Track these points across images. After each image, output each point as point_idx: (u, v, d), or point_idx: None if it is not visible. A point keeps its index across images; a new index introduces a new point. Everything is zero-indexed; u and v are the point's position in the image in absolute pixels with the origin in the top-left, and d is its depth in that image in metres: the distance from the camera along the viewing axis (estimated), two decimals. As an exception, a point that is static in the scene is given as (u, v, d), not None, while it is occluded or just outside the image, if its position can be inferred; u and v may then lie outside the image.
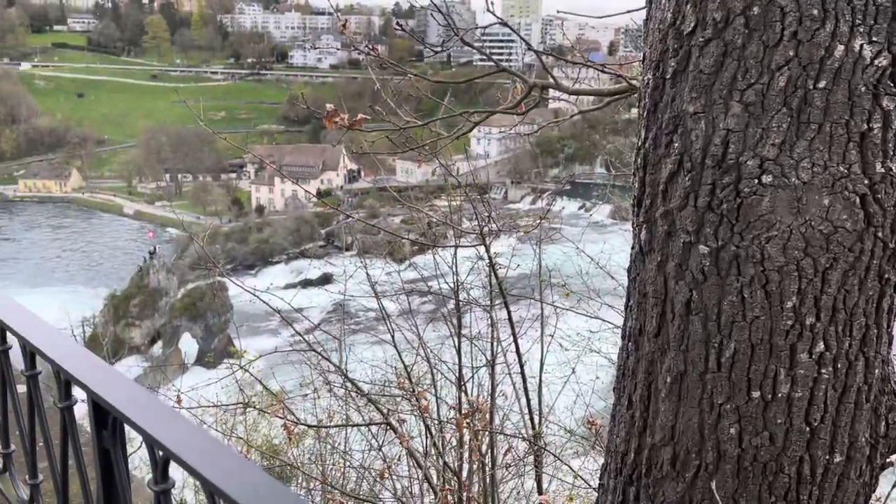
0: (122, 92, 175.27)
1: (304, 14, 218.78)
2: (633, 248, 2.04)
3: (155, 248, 79.59)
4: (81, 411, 1.66)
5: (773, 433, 1.80)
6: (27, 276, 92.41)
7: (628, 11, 2.99)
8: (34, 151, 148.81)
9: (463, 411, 6.97)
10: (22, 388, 2.05)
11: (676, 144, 1.77)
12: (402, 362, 8.24)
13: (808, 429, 1.79)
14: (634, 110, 2.04)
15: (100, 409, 1.44)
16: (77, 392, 1.60)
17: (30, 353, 1.73)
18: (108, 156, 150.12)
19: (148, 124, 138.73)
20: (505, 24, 3.88)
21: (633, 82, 3.42)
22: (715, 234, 1.75)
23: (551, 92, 4.08)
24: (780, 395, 1.78)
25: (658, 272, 1.88)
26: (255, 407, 7.03)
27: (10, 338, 1.93)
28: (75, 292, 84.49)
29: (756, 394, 1.80)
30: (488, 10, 3.35)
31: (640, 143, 1.92)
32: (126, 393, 1.40)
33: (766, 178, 1.68)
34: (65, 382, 1.60)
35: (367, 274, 8.54)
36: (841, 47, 1.60)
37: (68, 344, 1.66)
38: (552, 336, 8.21)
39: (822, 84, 1.62)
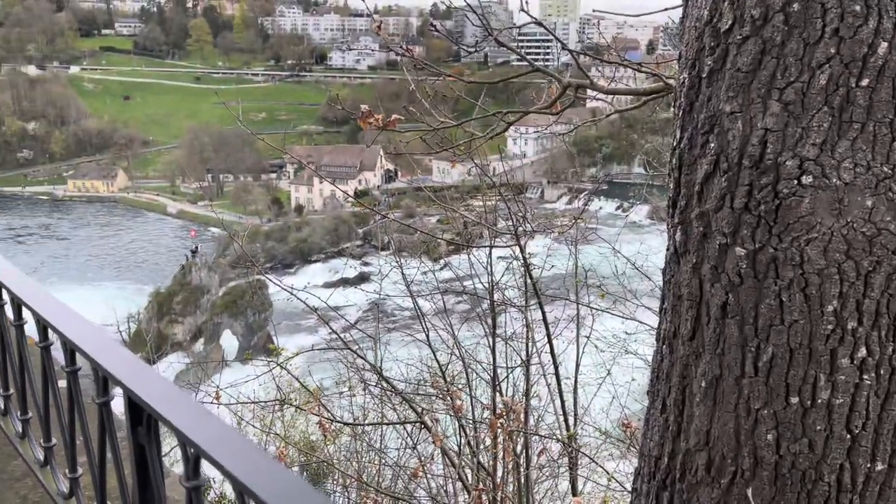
0: (166, 94, 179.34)
1: (343, 16, 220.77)
2: (667, 249, 2.01)
3: (197, 247, 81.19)
4: (120, 406, 1.70)
5: (812, 440, 1.75)
6: (76, 272, 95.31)
7: (665, 9, 2.94)
8: (82, 152, 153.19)
9: (497, 411, 6.95)
10: (62, 383, 2.12)
11: (713, 144, 1.74)
12: (437, 361, 8.26)
13: (848, 436, 1.74)
14: (672, 109, 2.01)
15: (135, 406, 1.48)
16: (115, 388, 1.64)
17: (70, 349, 1.78)
18: (153, 156, 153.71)
19: (191, 125, 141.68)
20: (540, 24, 3.85)
21: (670, 81, 3.37)
22: (752, 236, 1.71)
23: (588, 91, 4.05)
24: (819, 401, 1.73)
25: (693, 274, 1.85)
26: (291, 404, 7.12)
27: (51, 335, 1.99)
28: (121, 289, 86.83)
29: (795, 399, 1.75)
30: (523, 9, 3.33)
31: (675, 143, 1.89)
32: (160, 391, 1.43)
33: (807, 179, 1.63)
34: (102, 379, 1.64)
35: (403, 274, 8.57)
36: (884, 44, 1.55)
37: (106, 342, 1.70)
38: (588, 337, 8.14)
39: (864, 82, 1.57)
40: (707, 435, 1.87)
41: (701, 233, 1.80)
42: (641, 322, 7.17)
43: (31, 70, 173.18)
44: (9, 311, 2.37)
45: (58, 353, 2.05)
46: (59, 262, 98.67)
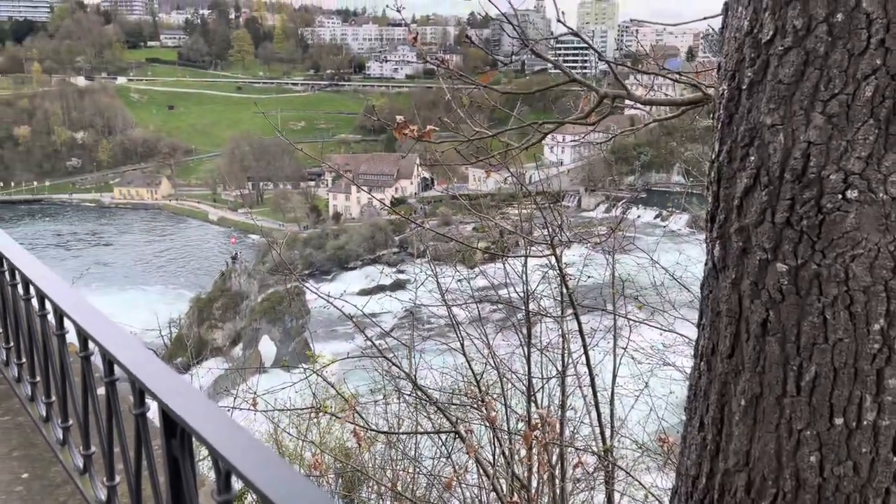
0: (209, 103, 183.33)
1: (381, 26, 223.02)
2: (706, 264, 1.96)
3: (237, 254, 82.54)
4: (157, 415, 1.73)
5: (857, 462, 1.69)
6: (120, 277, 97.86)
7: (704, 18, 2.89)
8: (128, 161, 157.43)
9: (532, 423, 6.89)
10: (101, 390, 2.16)
11: (753, 158, 1.70)
12: (472, 370, 8.23)
13: (895, 459, 1.68)
14: (711, 120, 1.97)
15: (169, 420, 1.50)
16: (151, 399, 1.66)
17: (108, 361, 1.82)
18: (195, 164, 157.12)
19: (232, 134, 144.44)
20: (577, 35, 3.82)
21: (710, 91, 3.31)
22: (794, 251, 1.66)
23: (626, 100, 4.00)
24: (865, 422, 1.67)
25: (732, 290, 1.80)
26: (326, 412, 7.16)
27: (91, 345, 2.04)
28: (164, 293, 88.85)
29: (839, 420, 1.69)
30: (559, 20, 3.31)
31: (714, 156, 1.85)
32: (194, 405, 1.44)
33: (852, 194, 1.58)
34: (139, 391, 1.67)
35: (438, 283, 8.57)
36: (933, 55, 1.49)
37: (143, 354, 1.73)
38: (625, 349, 8.02)
39: (912, 94, 1.52)
40: (747, 455, 1.82)
41: (740, 248, 1.76)
42: (680, 334, 7.04)
43: (80, 81, 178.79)
44: (51, 319, 2.44)
45: (97, 361, 2.09)
46: (106, 268, 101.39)
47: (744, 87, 1.72)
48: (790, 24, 1.60)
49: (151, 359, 1.68)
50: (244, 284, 75.41)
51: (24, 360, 2.98)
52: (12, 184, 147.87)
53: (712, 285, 1.90)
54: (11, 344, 3.15)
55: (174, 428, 1.50)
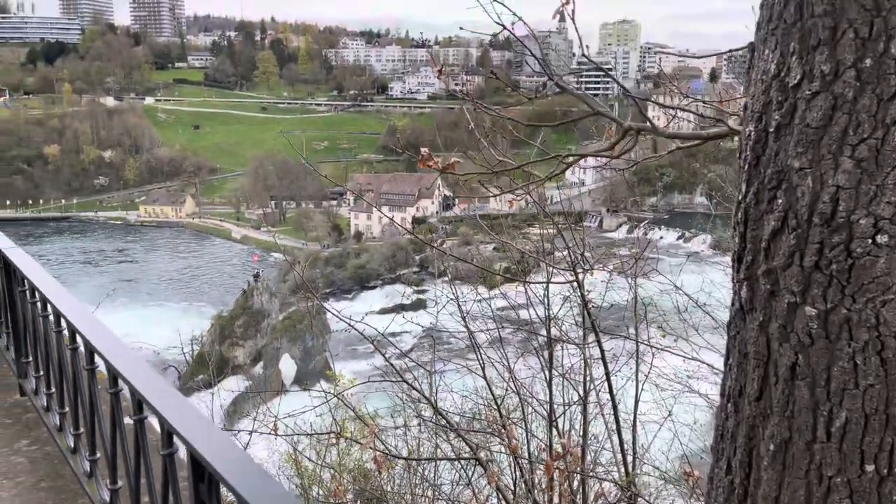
0: (234, 123, 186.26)
1: (404, 47, 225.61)
2: (732, 304, 1.95)
3: (259, 272, 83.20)
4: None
5: (889, 511, 1.65)
6: (145, 294, 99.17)
7: (730, 52, 2.89)
8: (154, 179, 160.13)
9: (554, 450, 6.82)
10: (128, 419, 2.18)
11: (780, 200, 1.69)
12: (492, 394, 8.18)
13: (928, 508, 1.64)
14: (738, 161, 1.96)
15: (197, 464, 1.51)
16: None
17: (137, 400, 1.84)
18: (220, 183, 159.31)
19: (256, 153, 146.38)
20: (602, 70, 3.84)
21: (732, 122, 3.30)
22: (823, 295, 1.64)
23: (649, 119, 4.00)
24: (897, 470, 1.64)
25: (760, 332, 1.78)
26: (346, 437, 7.16)
27: (120, 382, 2.06)
28: (187, 310, 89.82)
29: (870, 467, 1.66)
30: (584, 55, 3.34)
31: (740, 197, 1.84)
32: (223, 450, 1.45)
33: (882, 238, 1.56)
34: (167, 433, 1.68)
35: (459, 305, 8.55)
36: (963, 101, 1.48)
37: (172, 395, 1.75)
38: (647, 375, 7.93)
39: (943, 139, 1.50)
40: (776, 501, 1.79)
41: (768, 290, 1.74)
42: (703, 362, 6.95)
43: (109, 101, 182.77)
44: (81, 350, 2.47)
45: (127, 391, 2.11)
46: (131, 285, 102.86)
47: (771, 129, 1.71)
48: (818, 68, 1.60)
49: (180, 400, 1.69)
50: (266, 303, 75.92)
51: (53, 390, 3.02)
52: (41, 201, 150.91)
53: (739, 326, 1.88)
54: (41, 373, 3.20)
55: (202, 472, 1.50)
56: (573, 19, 3.09)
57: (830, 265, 1.62)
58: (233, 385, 58.61)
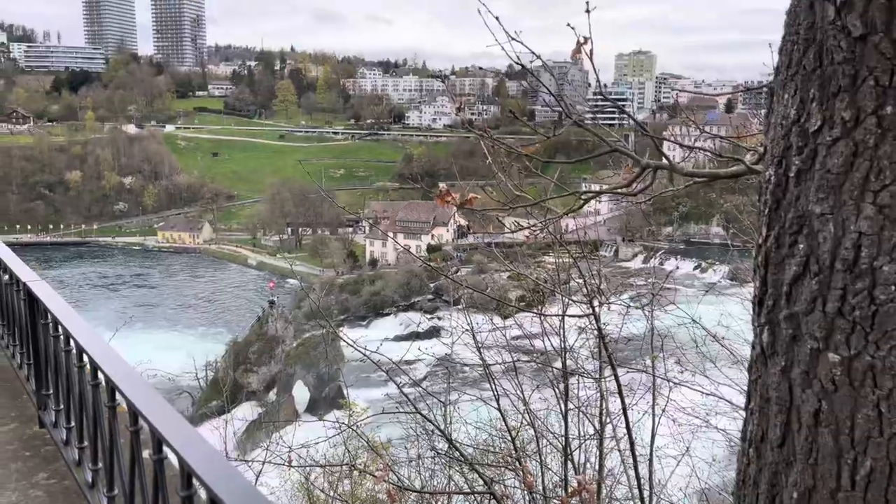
0: (252, 151, 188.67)
1: (421, 77, 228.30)
2: (753, 347, 1.93)
3: (274, 299, 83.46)
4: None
5: (915, 562, 1.61)
6: (162, 319, 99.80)
7: (748, 90, 2.89)
8: (173, 205, 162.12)
9: (569, 485, 6.73)
10: (147, 452, 2.18)
11: (802, 245, 1.68)
12: (507, 426, 8.11)
13: (956, 560, 1.60)
14: (758, 204, 1.95)
15: None
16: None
17: (157, 439, 1.85)
18: (237, 210, 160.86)
19: (274, 180, 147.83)
20: (618, 107, 3.86)
21: (748, 158, 3.30)
22: (846, 342, 1.62)
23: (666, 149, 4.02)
24: (924, 520, 1.60)
25: (782, 377, 1.76)
26: (360, 470, 7.11)
27: (141, 420, 2.07)
28: (203, 335, 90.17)
29: (896, 517, 1.62)
30: (600, 93, 3.36)
31: (760, 240, 1.83)
32: (243, 494, 1.44)
33: (906, 285, 1.55)
34: (186, 474, 1.68)
35: (474, 335, 8.53)
36: None
37: (192, 436, 1.75)
38: (664, 409, 7.84)
39: (967, 185, 1.49)
40: (800, 550, 1.75)
41: (790, 335, 1.73)
42: (721, 397, 6.86)
43: (131, 128, 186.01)
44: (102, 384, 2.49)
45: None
46: (148, 309, 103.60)
47: (791, 174, 1.71)
48: (838, 115, 1.60)
49: (200, 442, 1.69)
50: (280, 329, 76.05)
51: (72, 423, 3.03)
52: (62, 226, 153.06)
53: (761, 370, 1.86)
54: (61, 406, 3.22)
55: None
56: (591, 59, 3.12)
57: (853, 311, 1.61)
58: (246, 411, 58.46)
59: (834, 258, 1.63)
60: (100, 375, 2.43)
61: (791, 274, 1.71)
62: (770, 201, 1.79)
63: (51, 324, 3.24)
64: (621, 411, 7.27)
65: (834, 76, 1.62)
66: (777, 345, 1.78)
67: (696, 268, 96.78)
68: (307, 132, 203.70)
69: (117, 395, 2.26)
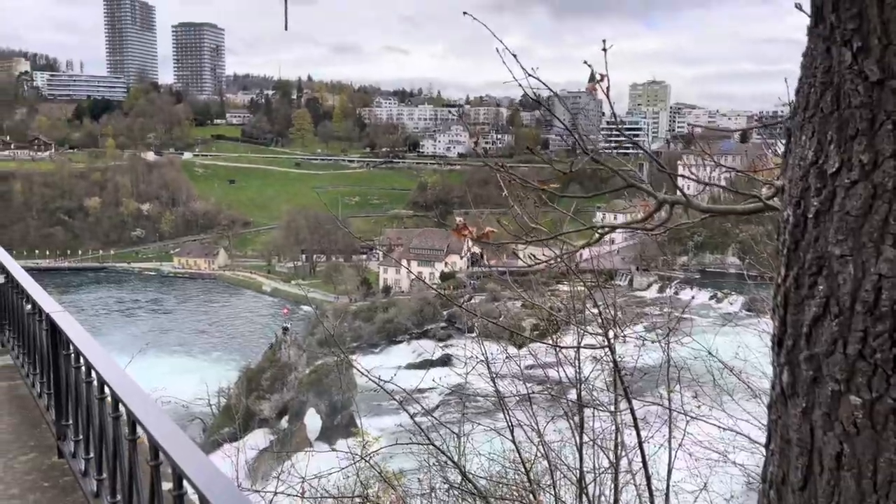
0: (268, 178, 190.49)
1: (436, 106, 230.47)
2: (773, 387, 1.92)
3: (288, 326, 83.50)
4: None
5: None
6: (177, 344, 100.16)
7: (764, 126, 2.90)
8: (189, 231, 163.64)
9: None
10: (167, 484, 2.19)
11: (821, 287, 1.68)
12: (521, 457, 8.03)
13: None
14: (777, 243, 1.96)
15: None
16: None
17: (177, 475, 1.85)
18: (252, 236, 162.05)
19: (289, 208, 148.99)
20: (632, 142, 3.89)
21: (764, 191, 3.30)
22: (868, 384, 1.61)
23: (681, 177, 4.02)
24: (950, 568, 1.57)
25: (803, 419, 1.75)
26: (373, 502, 7.06)
27: (161, 455, 2.08)
28: (217, 360, 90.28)
29: (921, 564, 1.60)
30: (617, 128, 3.39)
31: (780, 280, 1.83)
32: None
33: (927, 328, 1.54)
34: None
35: (488, 365, 8.49)
36: None
37: (213, 473, 1.76)
38: (681, 443, 7.73)
39: None
40: None
41: (811, 376, 1.72)
42: (738, 432, 6.76)
43: (150, 156, 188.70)
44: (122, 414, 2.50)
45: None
46: (163, 335, 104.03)
47: (810, 215, 1.71)
48: (856, 158, 1.61)
49: (220, 478, 1.70)
50: (293, 356, 75.96)
51: (91, 454, 3.04)
52: (80, 252, 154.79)
53: (781, 411, 1.85)
54: (81, 437, 3.23)
55: None
56: (607, 95, 3.16)
57: (875, 354, 1.60)
58: (258, 438, 58.20)
59: (854, 300, 1.62)
60: (121, 408, 2.44)
61: (811, 315, 1.71)
62: (789, 241, 1.79)
63: (73, 354, 3.27)
64: (637, 444, 7.18)
65: (852, 119, 1.64)
66: (798, 386, 1.77)
67: (711, 297, 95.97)
68: (323, 160, 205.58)
69: (138, 429, 2.27)
